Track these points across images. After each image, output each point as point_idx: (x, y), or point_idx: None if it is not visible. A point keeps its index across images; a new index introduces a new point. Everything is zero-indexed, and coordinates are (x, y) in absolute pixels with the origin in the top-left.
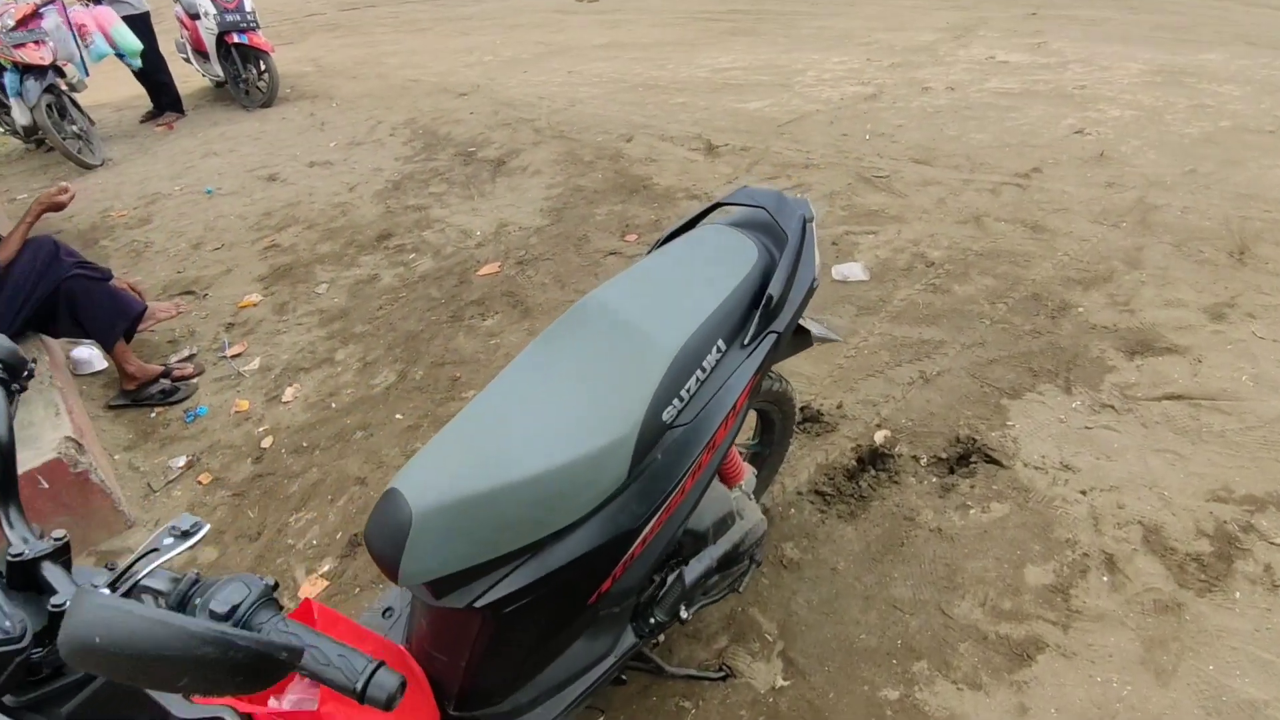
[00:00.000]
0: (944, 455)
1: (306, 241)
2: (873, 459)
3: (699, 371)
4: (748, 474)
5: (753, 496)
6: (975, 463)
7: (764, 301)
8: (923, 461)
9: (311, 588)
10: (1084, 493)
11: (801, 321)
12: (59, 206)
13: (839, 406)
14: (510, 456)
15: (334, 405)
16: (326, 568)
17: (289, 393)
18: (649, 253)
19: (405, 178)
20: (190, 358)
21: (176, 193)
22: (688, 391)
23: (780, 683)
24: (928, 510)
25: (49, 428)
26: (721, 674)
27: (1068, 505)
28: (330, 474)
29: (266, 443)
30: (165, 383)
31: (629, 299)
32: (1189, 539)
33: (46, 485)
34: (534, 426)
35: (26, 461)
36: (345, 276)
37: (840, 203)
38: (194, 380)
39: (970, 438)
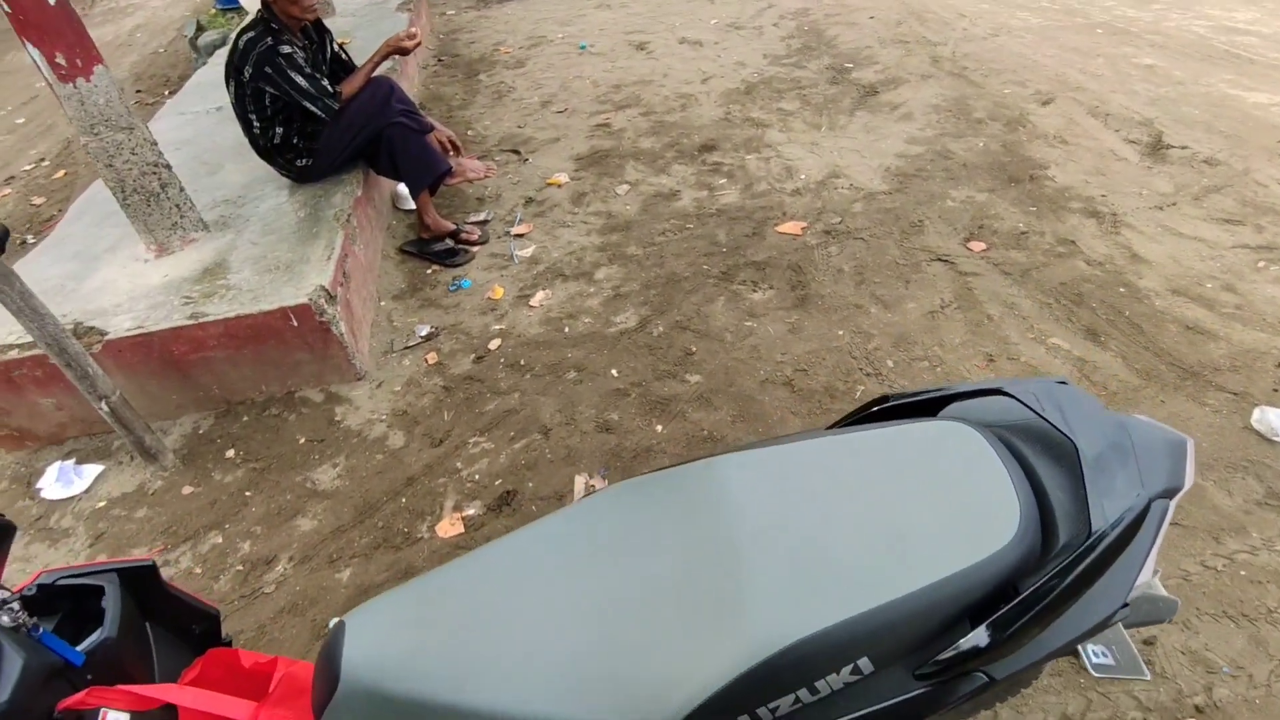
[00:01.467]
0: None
1: (635, 130)
2: None
3: (803, 691)
4: None
5: None
6: None
7: (991, 621)
8: None
9: (450, 525)
10: None
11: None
12: (404, 51)
13: (1147, 643)
14: (479, 672)
15: (566, 330)
16: (471, 511)
17: (538, 297)
18: (846, 423)
19: (762, 82)
20: (484, 223)
21: (558, 40)
22: (773, 709)
23: None
24: None
25: (315, 269)
26: None
27: None
28: (526, 407)
29: (494, 344)
30: (450, 243)
31: (767, 508)
32: None
33: (296, 324)
34: (520, 646)
35: (285, 298)
36: (649, 184)
37: None
38: (475, 249)
39: None
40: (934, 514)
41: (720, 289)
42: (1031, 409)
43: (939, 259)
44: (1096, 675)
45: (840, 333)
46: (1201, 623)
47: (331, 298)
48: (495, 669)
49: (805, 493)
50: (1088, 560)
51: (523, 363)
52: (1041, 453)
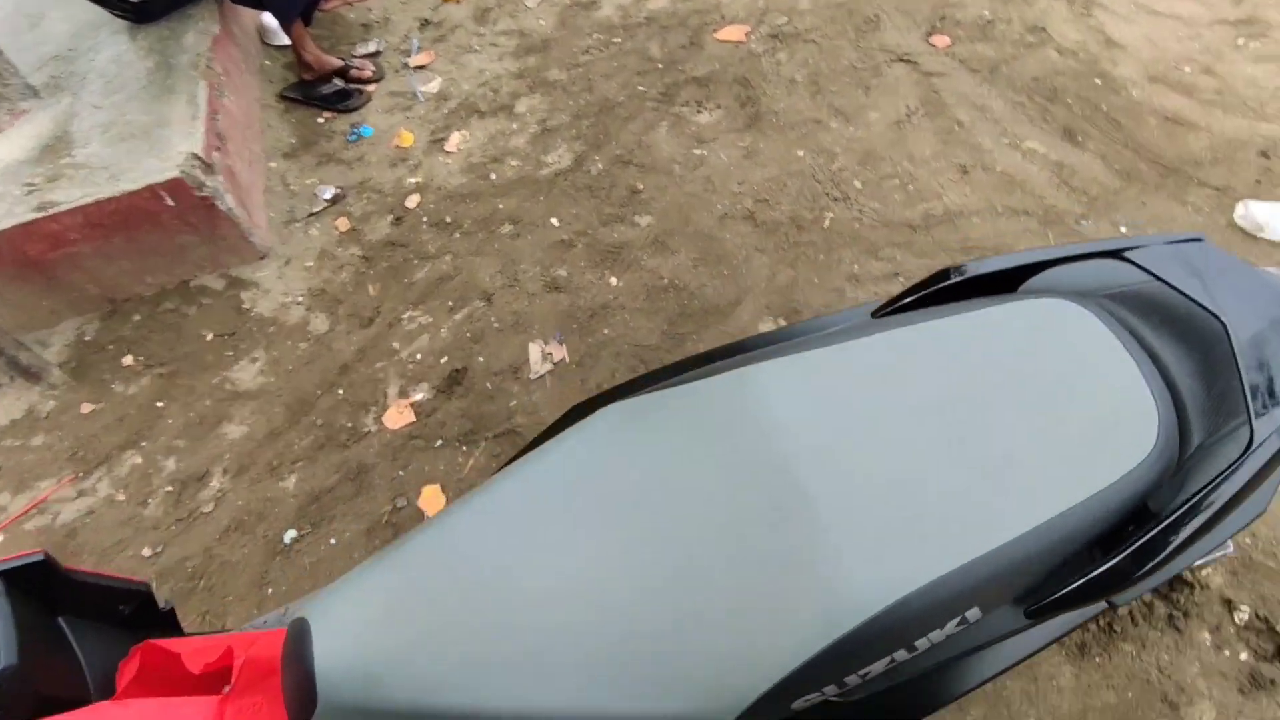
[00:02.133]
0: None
1: None
2: None
3: (900, 652)
4: None
5: None
6: None
7: (1129, 551)
8: (1240, 617)
9: (398, 415)
10: None
11: None
12: None
13: None
14: (491, 667)
15: (493, 177)
16: (419, 396)
17: (454, 140)
18: (895, 306)
19: None
20: (375, 55)
21: None
22: (863, 676)
23: None
24: (1209, 704)
25: (180, 133)
26: None
27: None
28: (461, 271)
29: (413, 201)
30: (339, 83)
31: (831, 432)
32: None
33: (172, 203)
34: (538, 631)
35: (151, 173)
36: None
37: None
38: (370, 88)
39: None
40: (1048, 426)
41: (661, 113)
42: (1165, 281)
43: (900, 59)
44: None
45: (800, 153)
46: None
47: (208, 167)
48: (511, 662)
49: (877, 408)
50: (1248, 474)
51: (449, 220)
52: (1162, 329)
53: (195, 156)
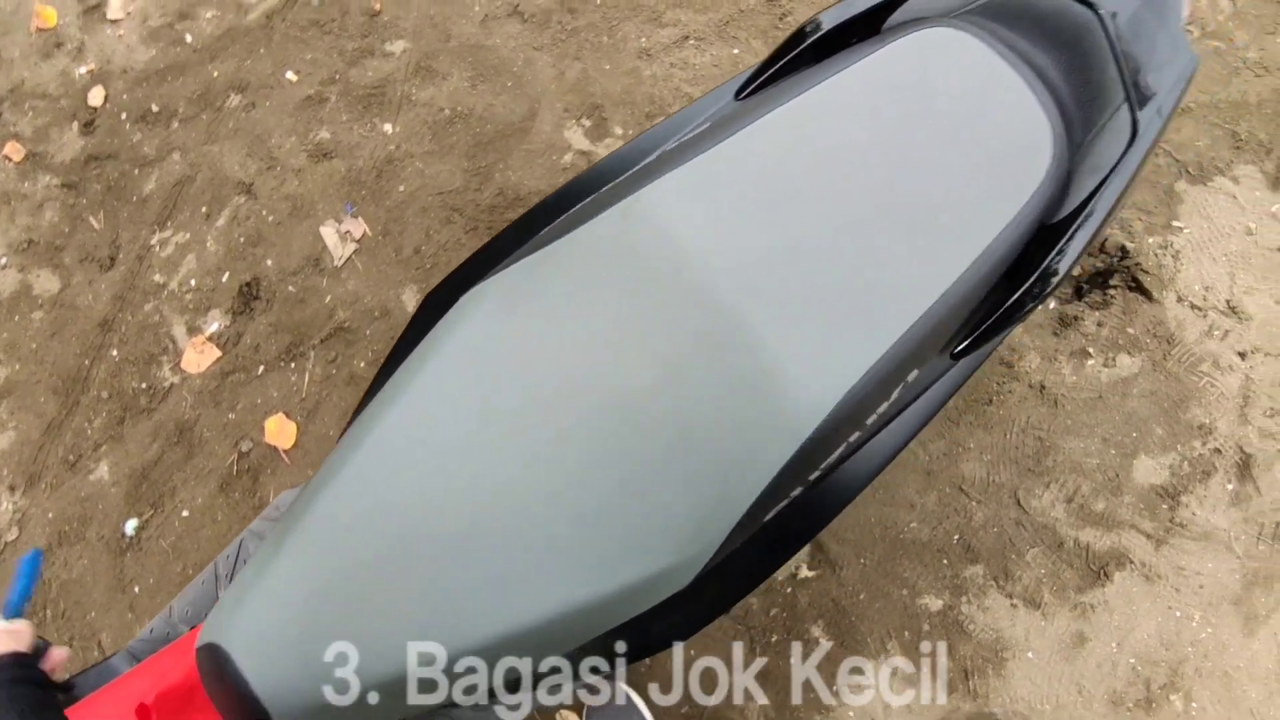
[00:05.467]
0: (1075, 269)
1: None
2: None
3: (856, 434)
4: None
5: None
6: (1115, 287)
7: (1042, 271)
8: None
9: (197, 355)
10: (1243, 355)
11: None
12: None
13: None
14: (452, 609)
15: (190, 39)
16: (214, 327)
17: (116, 3)
18: (760, 81)
19: None
20: None
21: None
22: (825, 467)
23: (804, 573)
24: (1034, 353)
25: None
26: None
27: (1217, 373)
28: (200, 168)
29: (96, 97)
30: None
31: (745, 241)
32: None
33: None
34: (484, 549)
35: None
36: None
37: None
38: None
39: (1119, 246)
40: (953, 169)
41: None
42: None
43: None
44: None
45: None
46: None
47: None
48: (469, 593)
49: (784, 199)
50: (1134, 165)
51: (155, 108)
52: (1033, 31)
53: None
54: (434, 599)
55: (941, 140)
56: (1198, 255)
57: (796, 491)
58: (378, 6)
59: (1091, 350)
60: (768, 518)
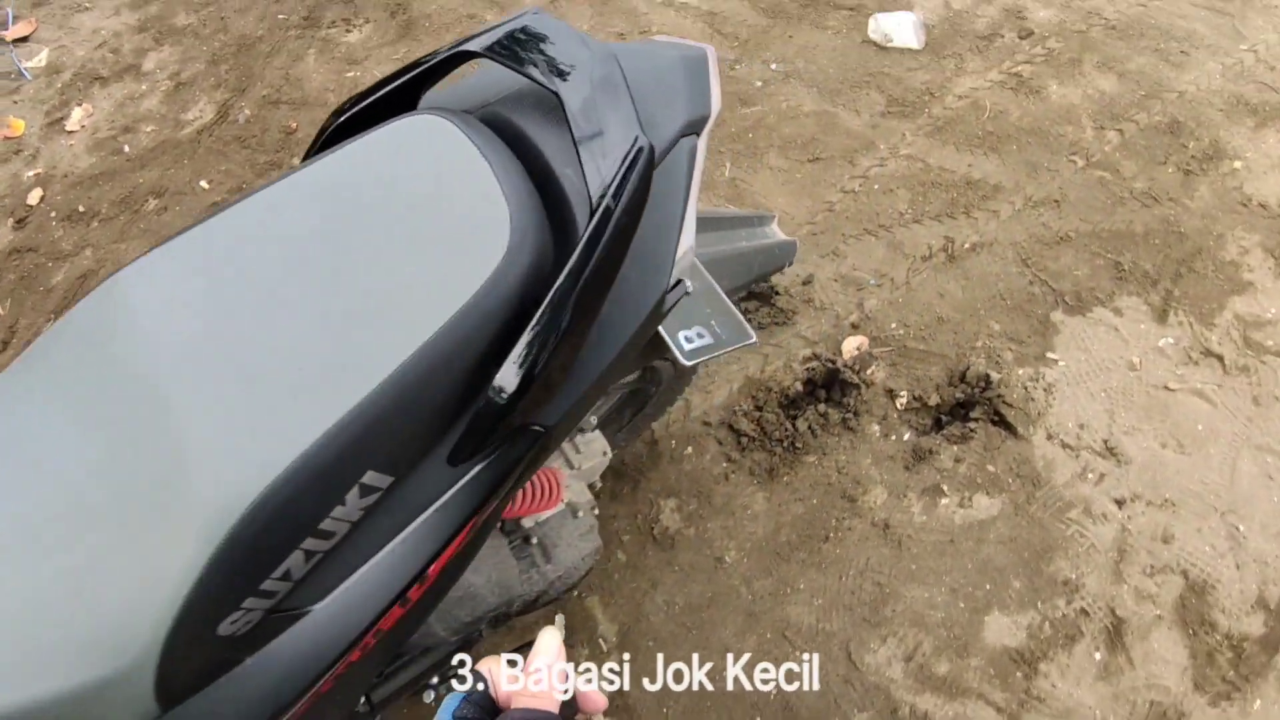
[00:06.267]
0: (934, 398)
1: None
2: (828, 383)
3: (310, 542)
4: (570, 488)
5: (583, 510)
6: (977, 420)
7: (513, 357)
8: (901, 401)
9: None
10: (1121, 502)
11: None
12: None
13: (806, 283)
14: None
15: (128, 150)
16: None
17: (76, 116)
18: (307, 159)
19: None
20: None
21: None
22: (284, 576)
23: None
24: (881, 488)
25: None
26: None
27: (1088, 521)
28: (106, 263)
29: (35, 197)
30: None
31: (195, 324)
32: (1241, 612)
33: None
34: None
35: None
36: None
37: None
38: None
39: (983, 376)
40: (406, 258)
41: (307, 40)
42: (502, 62)
43: None
44: (690, 363)
45: None
46: (847, 246)
47: None
48: None
49: (244, 279)
50: (597, 245)
51: (82, 209)
52: (540, 121)
53: None
54: None
55: (399, 229)
56: (1073, 390)
57: (255, 602)
58: (294, 125)
59: (946, 488)
60: (223, 631)
